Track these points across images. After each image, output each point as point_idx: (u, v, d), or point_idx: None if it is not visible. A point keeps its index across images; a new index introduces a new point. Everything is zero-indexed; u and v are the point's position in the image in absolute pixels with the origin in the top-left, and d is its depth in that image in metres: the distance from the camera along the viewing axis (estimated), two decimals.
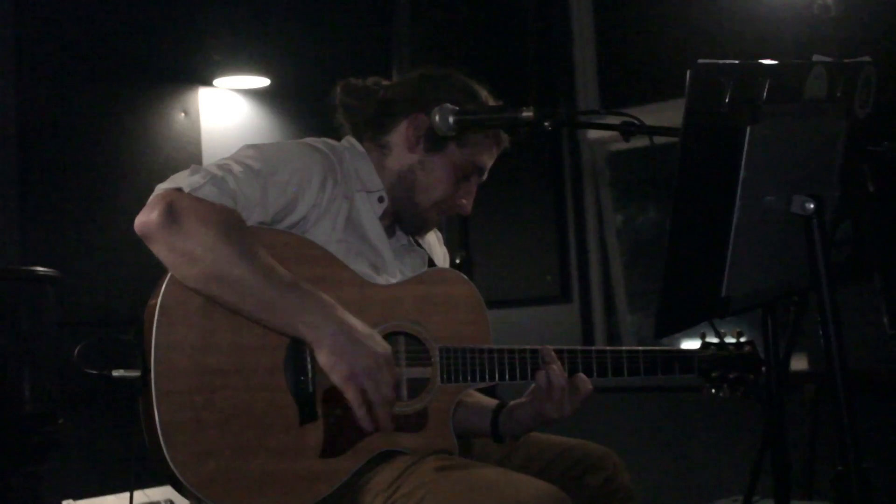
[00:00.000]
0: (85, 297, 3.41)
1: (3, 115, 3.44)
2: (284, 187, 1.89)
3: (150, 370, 1.76)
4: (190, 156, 3.92)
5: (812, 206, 1.46)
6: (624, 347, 2.13)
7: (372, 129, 2.13)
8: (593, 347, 2.11)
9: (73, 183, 3.60)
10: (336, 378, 1.80)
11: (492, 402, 2.16)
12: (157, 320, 1.77)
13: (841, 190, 1.66)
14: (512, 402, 2.14)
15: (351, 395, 1.80)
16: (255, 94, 4.21)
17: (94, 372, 1.86)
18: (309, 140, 2.04)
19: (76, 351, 1.90)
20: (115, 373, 1.85)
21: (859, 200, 1.74)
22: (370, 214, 2.05)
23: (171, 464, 1.74)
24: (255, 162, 1.89)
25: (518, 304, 4.13)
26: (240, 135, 4.12)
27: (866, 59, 1.63)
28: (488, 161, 2.15)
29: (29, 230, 3.45)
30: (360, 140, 2.13)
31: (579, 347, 2.10)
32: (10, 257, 3.38)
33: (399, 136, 2.10)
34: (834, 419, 1.46)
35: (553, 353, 2.06)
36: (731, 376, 2.16)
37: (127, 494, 3.24)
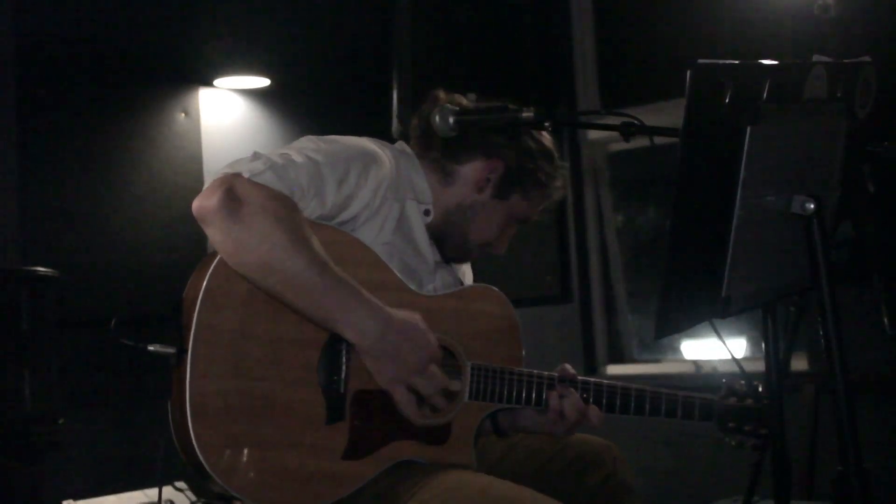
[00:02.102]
0: (85, 297, 3.41)
1: (3, 115, 3.43)
2: (342, 184, 1.89)
3: (186, 350, 1.76)
4: (190, 156, 3.92)
5: (812, 206, 1.46)
6: (648, 388, 2.13)
7: (441, 151, 2.10)
8: (619, 384, 2.12)
9: (73, 183, 3.59)
10: (381, 381, 1.84)
11: None
12: (201, 301, 1.77)
13: (841, 190, 1.66)
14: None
15: (398, 395, 1.84)
16: (255, 94, 4.21)
17: (130, 343, 1.86)
18: (368, 140, 2.04)
19: (112, 322, 1.90)
20: (151, 347, 1.85)
21: (859, 200, 1.74)
22: (419, 223, 2.06)
23: (195, 445, 1.74)
24: (316, 154, 1.88)
25: (518, 304, 4.12)
26: (240, 135, 4.11)
27: (866, 59, 1.63)
28: (536, 213, 2.20)
29: (29, 230, 3.45)
30: (421, 154, 2.12)
31: (605, 382, 2.12)
32: (10, 257, 3.38)
33: (470, 172, 2.10)
34: (834, 419, 1.46)
35: (570, 389, 2.06)
36: (746, 428, 2.15)
37: (127, 495, 3.25)
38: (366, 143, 2.01)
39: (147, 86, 3.85)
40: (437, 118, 1.88)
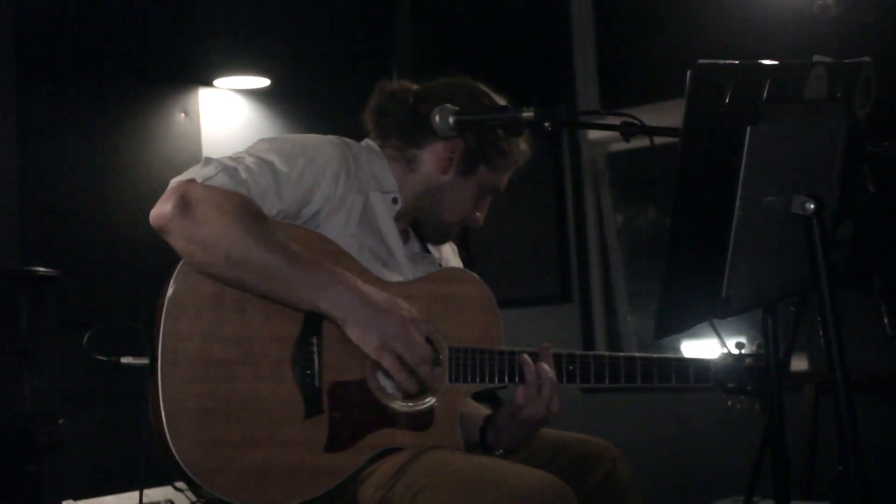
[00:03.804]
0: (85, 297, 3.41)
1: (3, 115, 3.44)
2: (298, 178, 1.90)
3: (157, 358, 1.77)
4: (190, 156, 3.92)
5: (812, 206, 1.46)
6: (638, 354, 2.10)
7: (401, 138, 2.11)
8: (606, 353, 2.09)
9: (73, 183, 3.60)
10: (369, 349, 1.81)
11: (482, 414, 2.16)
12: (167, 309, 1.78)
13: (841, 190, 1.66)
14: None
15: (387, 363, 1.82)
16: (255, 94, 4.21)
17: (103, 358, 1.87)
18: (327, 137, 2.04)
19: (85, 337, 1.90)
20: (124, 360, 1.85)
21: (859, 200, 1.74)
22: (385, 214, 2.06)
23: (174, 452, 1.75)
24: (268, 154, 1.90)
25: (518, 304, 4.13)
26: (240, 135, 4.12)
27: (866, 59, 1.63)
28: (507, 179, 2.20)
29: (29, 230, 3.45)
30: (382, 144, 2.13)
31: (592, 353, 2.09)
32: (10, 257, 3.38)
33: (431, 155, 2.10)
34: (834, 419, 1.46)
35: (550, 352, 2.05)
36: (749, 388, 2.11)
37: (127, 495, 3.25)
38: (321, 138, 2.02)
39: (147, 86, 3.85)
40: (437, 119, 1.88)
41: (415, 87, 2.15)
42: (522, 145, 2.17)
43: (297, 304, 1.82)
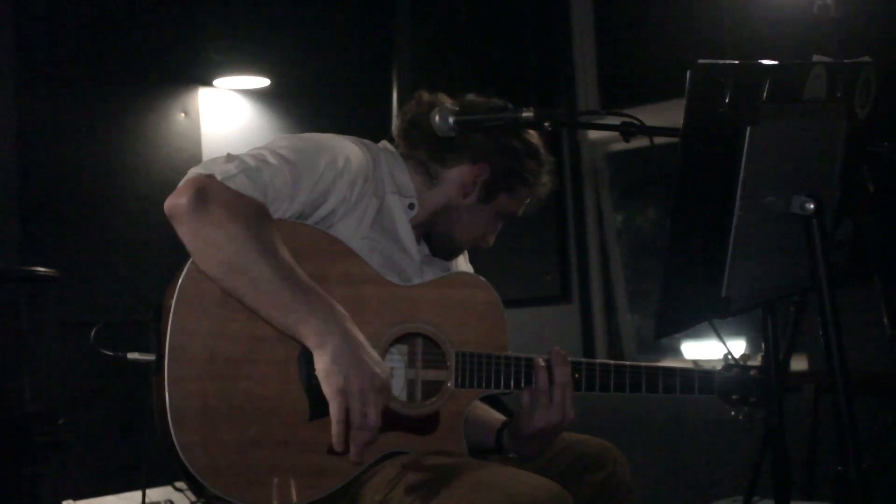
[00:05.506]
0: (85, 297, 3.41)
1: (3, 115, 3.44)
2: (317, 180, 1.89)
3: (164, 355, 1.76)
4: (190, 156, 3.92)
5: (812, 206, 1.46)
6: (643, 364, 2.11)
7: (429, 154, 2.10)
8: (612, 362, 2.10)
9: (73, 183, 3.60)
10: (326, 388, 1.73)
11: (499, 419, 2.16)
12: (175, 306, 1.78)
13: (841, 190, 1.66)
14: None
15: (334, 409, 1.72)
16: (255, 94, 4.21)
17: (110, 353, 1.86)
18: (346, 137, 2.04)
19: (92, 332, 1.89)
20: (130, 355, 1.85)
21: (859, 200, 1.74)
22: (402, 216, 2.05)
23: (178, 450, 1.75)
24: (290, 153, 1.88)
25: (518, 304, 4.13)
26: (240, 135, 4.12)
27: (866, 59, 1.63)
28: (523, 207, 2.21)
29: (29, 230, 3.45)
30: (406, 154, 2.12)
31: (599, 361, 2.09)
32: (10, 257, 3.38)
33: (457, 176, 2.10)
34: (834, 419, 1.46)
35: (564, 356, 2.05)
36: (752, 400, 2.10)
37: (128, 495, 3.25)
38: (341, 140, 2.01)
39: (147, 86, 3.85)
40: (437, 118, 1.88)
41: (449, 102, 2.10)
42: (545, 178, 2.18)
43: (278, 325, 1.78)
